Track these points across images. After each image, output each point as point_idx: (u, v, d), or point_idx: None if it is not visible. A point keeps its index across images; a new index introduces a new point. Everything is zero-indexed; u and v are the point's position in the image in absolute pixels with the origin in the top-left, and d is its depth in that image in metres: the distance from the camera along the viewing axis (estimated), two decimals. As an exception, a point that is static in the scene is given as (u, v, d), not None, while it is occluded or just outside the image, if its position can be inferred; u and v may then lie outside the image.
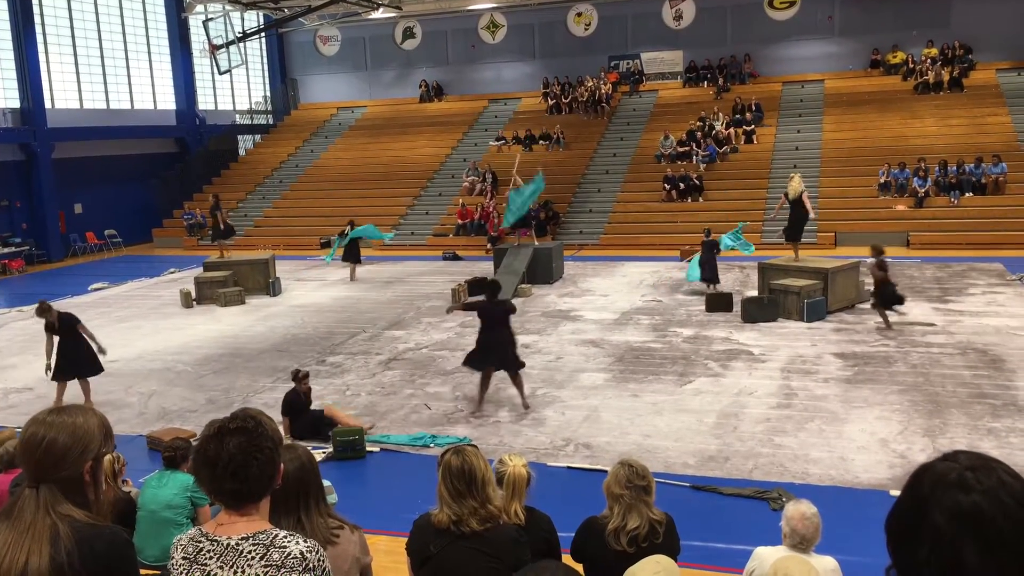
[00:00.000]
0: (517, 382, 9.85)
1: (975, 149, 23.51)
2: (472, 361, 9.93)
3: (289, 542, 2.16)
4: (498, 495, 3.71)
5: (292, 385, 9.56)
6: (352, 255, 19.94)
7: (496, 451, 7.96)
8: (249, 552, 2.15)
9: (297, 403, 9.41)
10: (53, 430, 2.16)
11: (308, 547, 2.17)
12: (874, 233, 21.85)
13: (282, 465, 2.32)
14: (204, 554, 2.18)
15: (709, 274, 16.31)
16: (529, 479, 4.11)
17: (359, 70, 35.27)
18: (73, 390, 10.61)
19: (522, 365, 9.91)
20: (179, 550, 2.25)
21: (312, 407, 9.62)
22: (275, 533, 2.19)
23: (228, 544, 2.17)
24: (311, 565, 2.14)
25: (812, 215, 15.35)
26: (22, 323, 16.33)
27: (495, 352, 9.73)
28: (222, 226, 19.70)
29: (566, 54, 31.96)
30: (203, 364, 12.78)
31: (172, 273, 22.16)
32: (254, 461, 2.19)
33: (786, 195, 15.42)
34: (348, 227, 20.61)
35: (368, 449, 9.05)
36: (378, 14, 29.84)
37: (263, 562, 2.12)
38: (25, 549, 2.04)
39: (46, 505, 2.11)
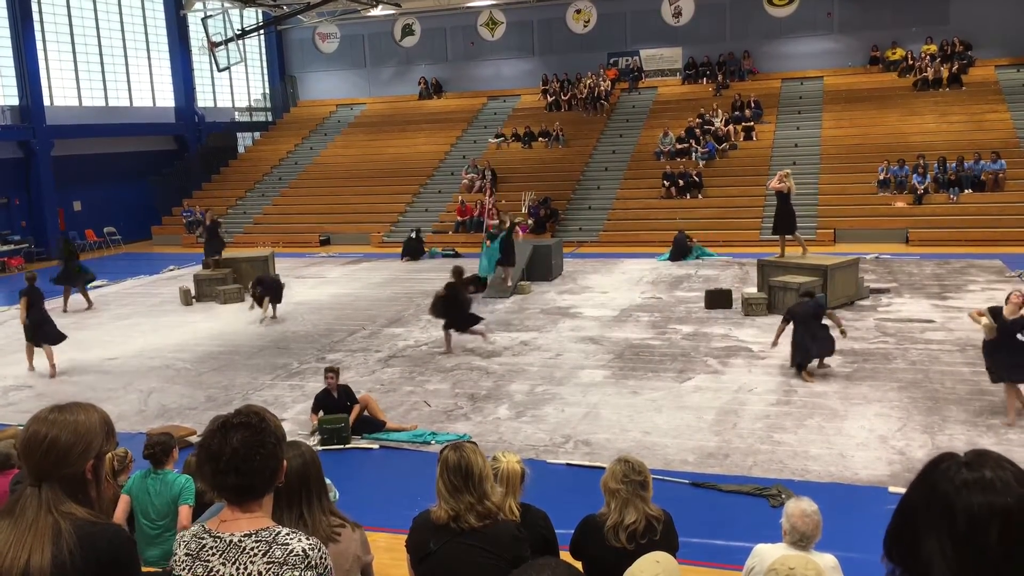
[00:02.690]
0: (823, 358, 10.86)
1: (974, 146, 23.51)
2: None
3: (292, 539, 2.17)
4: (497, 492, 3.72)
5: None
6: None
7: (496, 448, 7.96)
8: (252, 549, 2.15)
9: (329, 402, 9.38)
10: (55, 428, 2.16)
11: (310, 544, 2.17)
12: (873, 230, 21.93)
13: (285, 462, 2.32)
14: (207, 550, 2.19)
15: (675, 254, 20.47)
16: (523, 475, 4.11)
17: (358, 67, 35.25)
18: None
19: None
20: (182, 546, 2.25)
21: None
22: (278, 530, 2.20)
23: (231, 540, 2.18)
24: (313, 562, 2.15)
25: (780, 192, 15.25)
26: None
27: (811, 344, 10.66)
28: (205, 238, 19.61)
29: (565, 51, 31.95)
30: (203, 361, 12.78)
31: (171, 270, 22.15)
32: (257, 456, 2.19)
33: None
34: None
35: (367, 446, 9.08)
36: (377, 11, 29.82)
37: (265, 559, 2.13)
38: (27, 547, 2.05)
39: (48, 503, 2.11)
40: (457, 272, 13.13)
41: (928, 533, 1.43)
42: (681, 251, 20.61)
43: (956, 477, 1.45)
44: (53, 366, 12.33)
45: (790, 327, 10.84)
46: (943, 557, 1.41)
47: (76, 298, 17.15)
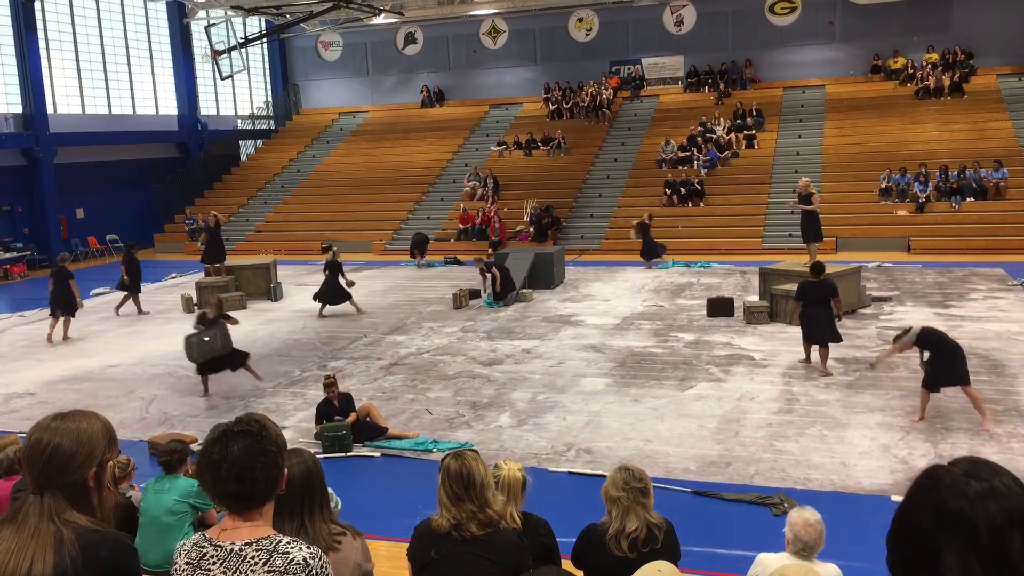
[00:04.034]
0: (824, 353, 11.22)
1: (976, 154, 23.52)
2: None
3: (292, 548, 2.17)
4: (498, 500, 3.71)
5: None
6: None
7: (497, 456, 7.95)
8: (252, 558, 2.15)
9: (331, 410, 9.41)
10: (58, 436, 2.16)
11: (311, 553, 2.17)
12: (875, 238, 21.92)
13: (286, 470, 2.32)
14: (208, 559, 2.19)
15: (645, 252, 20.60)
16: (524, 482, 4.11)
17: (361, 75, 35.34)
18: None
19: (838, 339, 11.35)
20: (183, 555, 2.25)
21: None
22: (278, 539, 2.19)
23: (232, 549, 2.18)
24: (314, 571, 2.14)
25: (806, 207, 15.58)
26: (24, 328, 16.34)
27: (819, 327, 11.15)
28: (203, 246, 19.60)
29: (567, 59, 32.03)
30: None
31: (174, 278, 22.16)
32: (258, 464, 2.19)
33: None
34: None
35: (369, 454, 9.07)
36: (380, 20, 29.90)
37: (266, 568, 2.13)
38: (29, 555, 2.05)
39: (50, 511, 2.11)
40: (218, 305, 11.79)
41: (945, 551, 1.40)
42: (650, 247, 20.59)
43: (967, 490, 1.43)
44: (66, 336, 14.98)
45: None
46: (967, 572, 1.39)
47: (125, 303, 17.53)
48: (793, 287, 14.15)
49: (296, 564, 2.13)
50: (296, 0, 27.68)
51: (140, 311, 17.32)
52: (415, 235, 23.39)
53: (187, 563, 2.22)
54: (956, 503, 1.42)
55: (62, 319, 14.96)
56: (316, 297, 16.18)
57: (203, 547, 2.22)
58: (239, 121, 35.24)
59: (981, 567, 1.38)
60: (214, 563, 2.17)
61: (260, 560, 2.14)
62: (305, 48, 34.83)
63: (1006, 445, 8.46)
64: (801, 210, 15.68)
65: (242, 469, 2.17)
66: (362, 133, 33.43)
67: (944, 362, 8.99)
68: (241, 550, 2.17)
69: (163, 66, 31.18)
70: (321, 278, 16.50)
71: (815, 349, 11.36)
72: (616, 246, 23.59)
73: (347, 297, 16.09)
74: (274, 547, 2.16)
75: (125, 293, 17.31)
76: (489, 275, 16.71)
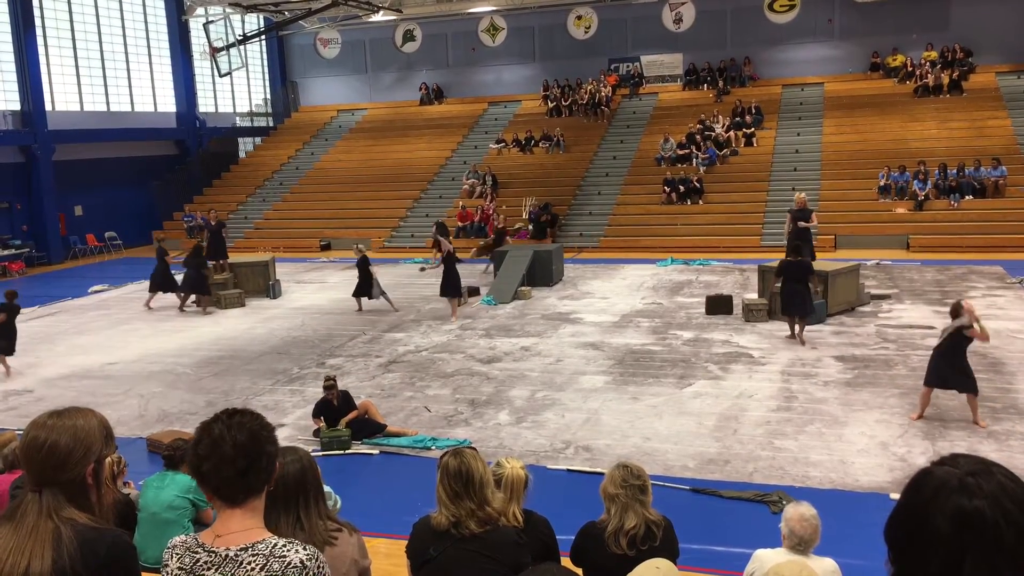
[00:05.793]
0: (803, 324, 12.69)
1: (975, 152, 23.51)
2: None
3: (288, 551, 2.13)
4: (497, 497, 3.71)
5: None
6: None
7: (496, 454, 7.95)
8: (249, 563, 2.11)
9: (329, 410, 9.46)
10: (55, 433, 2.16)
11: (308, 555, 2.13)
12: (874, 236, 21.92)
13: (279, 464, 2.29)
14: (201, 565, 2.15)
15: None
16: (527, 481, 4.10)
17: (359, 73, 35.31)
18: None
19: (811, 312, 12.83)
20: (175, 559, 2.20)
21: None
22: (274, 542, 2.15)
23: (227, 555, 2.14)
24: (311, 573, 2.11)
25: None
26: (21, 325, 16.29)
27: (792, 301, 12.55)
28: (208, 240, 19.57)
29: (566, 57, 32.00)
30: (203, 366, 12.78)
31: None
32: (259, 438, 2.17)
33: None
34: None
35: (368, 451, 9.08)
36: (378, 17, 29.85)
37: (263, 573, 2.09)
38: (27, 553, 2.04)
39: (49, 509, 2.10)
40: (11, 295, 12.65)
41: (968, 555, 1.37)
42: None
43: (984, 488, 1.40)
44: (148, 304, 17.44)
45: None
46: (995, 574, 1.37)
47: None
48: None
49: (293, 568, 2.09)
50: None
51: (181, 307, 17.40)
52: (437, 223, 23.06)
53: (180, 568, 2.18)
54: (974, 504, 1.39)
55: (174, 294, 17.16)
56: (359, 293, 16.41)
57: (196, 553, 2.18)
58: (238, 118, 35.19)
59: (1006, 567, 1.37)
60: (208, 569, 2.13)
61: (257, 565, 2.10)
62: (304, 45, 34.78)
63: (1004, 443, 8.47)
64: (796, 226, 15.65)
65: (241, 445, 2.14)
66: (361, 130, 33.41)
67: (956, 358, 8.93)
68: (237, 555, 2.13)
69: (161, 63, 31.12)
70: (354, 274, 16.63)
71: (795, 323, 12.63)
72: (615, 244, 23.59)
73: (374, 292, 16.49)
74: (270, 551, 2.12)
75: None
76: (443, 242, 16.41)
